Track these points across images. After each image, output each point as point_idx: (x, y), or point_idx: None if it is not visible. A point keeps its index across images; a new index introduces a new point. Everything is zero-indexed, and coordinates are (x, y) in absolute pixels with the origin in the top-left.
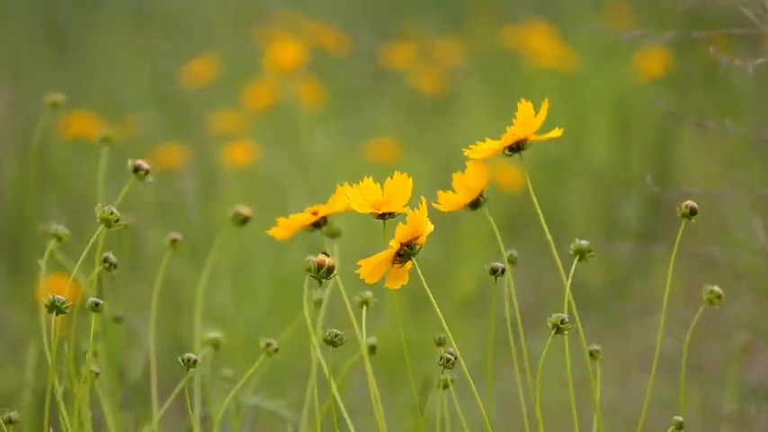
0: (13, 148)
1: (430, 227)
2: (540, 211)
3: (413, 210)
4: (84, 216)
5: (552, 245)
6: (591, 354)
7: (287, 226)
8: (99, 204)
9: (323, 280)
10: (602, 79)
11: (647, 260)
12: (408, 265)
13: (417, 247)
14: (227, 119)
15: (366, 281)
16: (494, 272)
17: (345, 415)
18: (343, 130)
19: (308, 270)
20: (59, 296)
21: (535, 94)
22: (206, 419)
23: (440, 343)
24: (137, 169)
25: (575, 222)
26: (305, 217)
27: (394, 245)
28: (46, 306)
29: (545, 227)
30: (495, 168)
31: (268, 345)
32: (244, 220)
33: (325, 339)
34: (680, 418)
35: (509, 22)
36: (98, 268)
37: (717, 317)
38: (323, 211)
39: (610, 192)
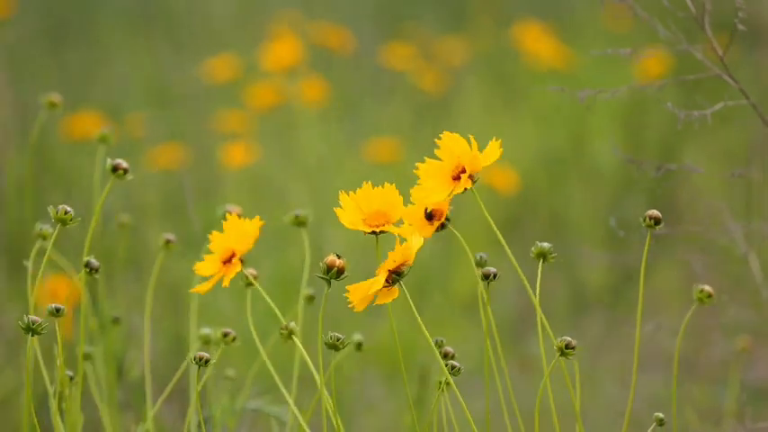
0: (14, 148)
1: (419, 244)
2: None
3: (401, 242)
4: (85, 216)
5: (507, 248)
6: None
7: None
8: (51, 206)
9: (332, 281)
10: (604, 79)
11: (649, 261)
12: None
13: (405, 270)
14: (228, 118)
15: (356, 309)
16: (486, 277)
17: (337, 414)
18: (344, 130)
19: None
20: (35, 318)
21: (536, 94)
22: (206, 420)
23: (439, 345)
24: (115, 169)
25: (577, 223)
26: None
27: (381, 276)
28: (22, 328)
29: (497, 235)
30: (493, 168)
31: (225, 335)
32: None
33: (326, 343)
34: (660, 415)
35: (510, 21)
36: (82, 271)
37: (717, 319)
38: (239, 250)
39: (613, 192)
